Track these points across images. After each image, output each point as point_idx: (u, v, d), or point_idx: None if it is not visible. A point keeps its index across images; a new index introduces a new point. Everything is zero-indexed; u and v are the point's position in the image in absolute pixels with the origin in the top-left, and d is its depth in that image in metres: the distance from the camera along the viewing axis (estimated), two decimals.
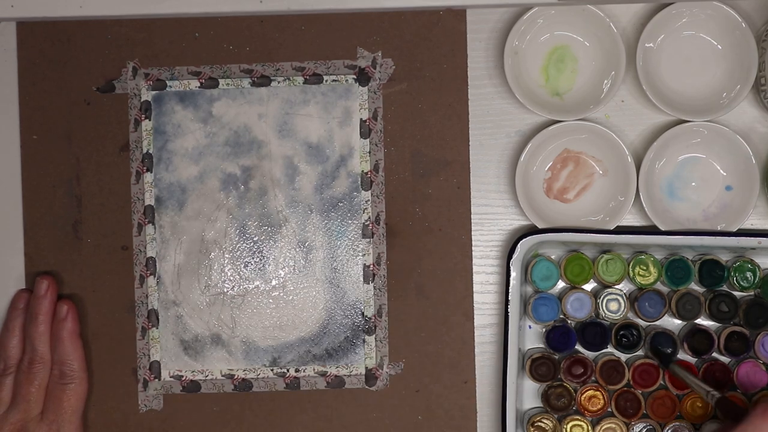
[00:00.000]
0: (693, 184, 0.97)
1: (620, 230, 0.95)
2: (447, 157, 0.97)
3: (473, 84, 0.98)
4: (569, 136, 0.97)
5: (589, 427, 0.95)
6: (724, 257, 0.96)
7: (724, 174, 0.97)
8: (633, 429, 0.96)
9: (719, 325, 0.96)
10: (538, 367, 0.95)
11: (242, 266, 0.98)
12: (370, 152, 0.98)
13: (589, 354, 0.96)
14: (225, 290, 0.98)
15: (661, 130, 0.96)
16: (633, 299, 0.96)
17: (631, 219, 0.98)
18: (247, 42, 0.98)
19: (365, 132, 0.98)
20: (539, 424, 0.95)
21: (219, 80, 0.98)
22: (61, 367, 0.95)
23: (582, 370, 0.95)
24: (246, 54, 0.98)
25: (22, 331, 0.96)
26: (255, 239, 0.98)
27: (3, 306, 0.98)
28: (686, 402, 0.95)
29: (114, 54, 0.98)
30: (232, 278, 0.98)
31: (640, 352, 0.96)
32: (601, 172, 0.98)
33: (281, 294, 0.98)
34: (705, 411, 0.95)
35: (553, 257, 0.97)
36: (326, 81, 0.98)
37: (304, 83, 0.98)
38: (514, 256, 0.94)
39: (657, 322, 0.96)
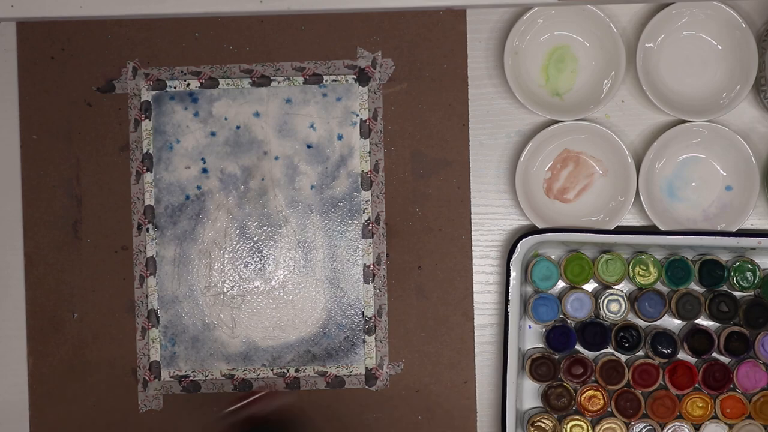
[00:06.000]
0: (693, 184, 0.97)
1: (620, 230, 0.95)
2: (447, 157, 0.97)
3: (473, 84, 0.98)
4: (569, 136, 0.97)
5: (589, 427, 0.95)
6: (724, 257, 0.96)
7: (724, 174, 0.97)
8: (633, 429, 0.96)
9: (719, 325, 0.96)
10: (538, 367, 0.95)
11: (242, 266, 0.98)
12: (370, 152, 0.98)
13: (589, 354, 0.96)
14: (225, 290, 0.98)
15: (661, 130, 0.96)
16: (633, 299, 0.96)
17: (631, 219, 0.98)
18: (247, 42, 0.98)
19: (365, 132, 0.98)
20: (539, 424, 0.95)
21: (219, 80, 0.98)
22: None
23: (582, 370, 0.95)
24: (246, 54, 0.98)
25: None
26: (255, 239, 0.98)
27: (3, 306, 0.98)
28: (686, 402, 0.95)
29: (114, 54, 0.98)
30: (232, 278, 0.98)
31: (640, 352, 0.96)
32: (601, 172, 0.97)
33: (281, 294, 0.98)
34: (705, 411, 0.95)
35: (553, 257, 0.97)
36: (326, 81, 0.98)
37: (304, 83, 0.98)
38: (514, 256, 0.94)
39: (657, 322, 0.96)
